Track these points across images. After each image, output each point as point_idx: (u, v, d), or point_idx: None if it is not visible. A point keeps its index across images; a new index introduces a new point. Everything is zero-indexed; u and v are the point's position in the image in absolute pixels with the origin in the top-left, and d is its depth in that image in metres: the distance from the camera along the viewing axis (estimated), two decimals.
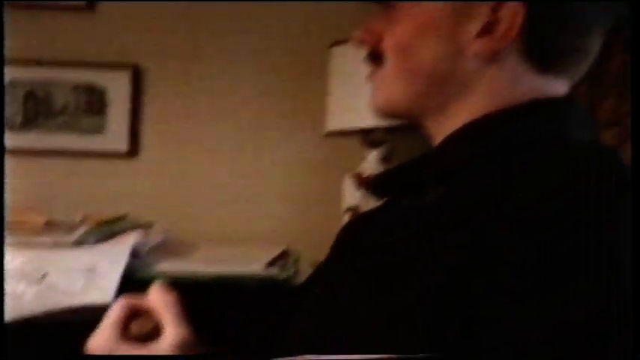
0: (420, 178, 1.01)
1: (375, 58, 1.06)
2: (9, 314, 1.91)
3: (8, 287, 2.02)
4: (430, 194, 0.96)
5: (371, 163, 2.35)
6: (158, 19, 2.69)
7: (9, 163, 2.55)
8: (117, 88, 2.66)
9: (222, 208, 2.69)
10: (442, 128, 1.02)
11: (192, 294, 2.01)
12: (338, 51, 2.34)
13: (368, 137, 2.31)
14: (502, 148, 0.95)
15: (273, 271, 2.14)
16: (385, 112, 1.08)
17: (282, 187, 2.72)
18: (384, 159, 2.35)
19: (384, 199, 1.11)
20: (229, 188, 2.71)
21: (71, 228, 2.16)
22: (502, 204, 0.85)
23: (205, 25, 2.70)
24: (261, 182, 2.72)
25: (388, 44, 1.04)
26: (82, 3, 2.62)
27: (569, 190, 0.85)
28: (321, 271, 1.12)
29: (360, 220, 1.13)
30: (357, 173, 2.34)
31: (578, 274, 0.79)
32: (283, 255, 2.30)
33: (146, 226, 2.30)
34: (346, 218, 2.32)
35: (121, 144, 2.69)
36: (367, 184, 2.27)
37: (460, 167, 0.96)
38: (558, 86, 1.00)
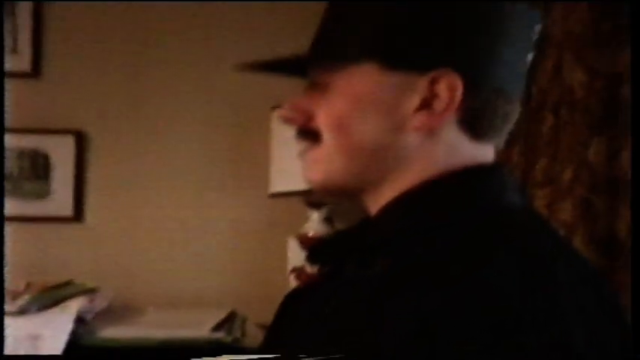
0: (358, 248, 1.00)
1: (308, 135, 1.04)
2: None
3: None
4: (375, 266, 0.95)
5: (314, 223, 2.39)
6: (102, 85, 2.70)
7: None
8: (61, 153, 2.66)
9: (167, 271, 2.67)
10: (379, 199, 1.02)
11: (141, 359, 2.01)
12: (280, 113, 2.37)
13: (310, 199, 2.33)
14: (438, 218, 0.96)
15: (220, 334, 2.14)
16: (323, 189, 1.06)
17: (227, 249, 2.70)
18: (327, 220, 2.37)
19: (322, 266, 1.09)
20: (174, 251, 2.70)
21: (15, 296, 2.15)
22: (442, 281, 0.84)
23: (149, 90, 2.70)
24: (206, 245, 2.70)
25: (324, 121, 1.02)
26: (27, 69, 2.65)
27: (505, 263, 0.85)
28: (266, 343, 1.09)
29: (303, 291, 1.10)
30: (301, 234, 2.37)
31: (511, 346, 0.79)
32: (230, 318, 2.32)
33: (91, 292, 2.27)
34: (292, 279, 2.36)
35: (66, 209, 2.67)
36: (311, 244, 2.22)
37: (398, 238, 0.96)
38: (487, 151, 1.02)
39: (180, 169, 2.71)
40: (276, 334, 1.07)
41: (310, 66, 1.06)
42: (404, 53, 0.98)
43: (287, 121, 1.06)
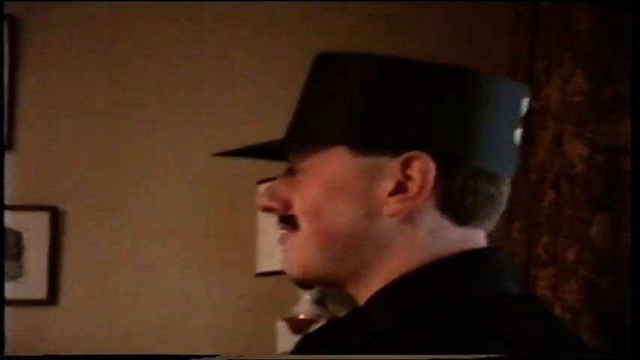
0: (349, 341, 0.99)
1: (287, 222, 1.03)
2: None
3: None
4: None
5: (304, 305, 2.35)
6: (78, 159, 2.68)
7: None
8: (34, 231, 2.63)
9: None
10: (367, 289, 1.00)
11: None
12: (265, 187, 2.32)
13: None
14: (425, 309, 0.94)
15: None
16: (301, 279, 1.05)
17: (211, 334, 2.63)
18: (318, 301, 2.32)
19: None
20: (156, 335, 2.62)
21: None
22: None
23: (128, 164, 2.68)
24: (190, 328, 2.64)
25: (299, 208, 1.00)
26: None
27: (490, 351, 0.85)
28: None
29: None
30: (290, 317, 2.31)
31: None
32: None
33: None
34: None
35: (40, 291, 2.62)
36: (301, 328, 2.23)
37: (384, 332, 0.95)
38: (478, 236, 1.01)
39: (162, 249, 2.67)
40: None
41: (286, 150, 1.06)
42: (374, 136, 0.98)
43: (266, 209, 1.05)
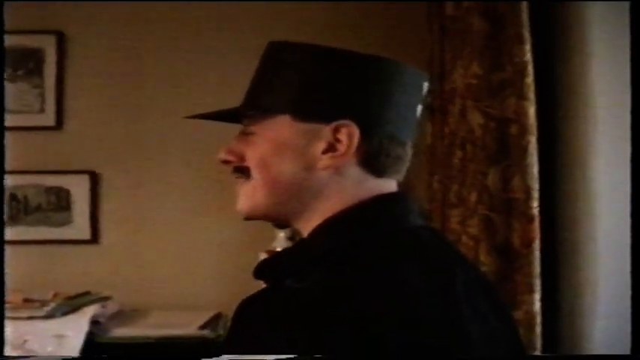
0: (293, 265, 1.06)
1: (241, 172, 1.11)
2: None
3: None
4: (307, 280, 0.99)
5: (279, 241, 2.55)
6: (110, 134, 2.86)
7: None
8: (79, 189, 2.84)
9: (166, 281, 2.79)
10: (307, 225, 1.09)
11: (142, 353, 2.19)
12: None
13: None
14: (353, 238, 1.03)
15: (206, 332, 2.33)
16: (250, 217, 1.14)
17: (213, 262, 2.81)
18: (290, 238, 2.54)
19: (266, 281, 1.12)
20: (172, 265, 2.82)
21: (44, 304, 2.38)
22: (358, 291, 0.91)
23: (148, 136, 2.86)
24: (197, 259, 2.82)
25: (251, 162, 1.09)
26: (52, 124, 2.86)
27: (409, 273, 0.93)
28: (227, 341, 1.10)
29: (252, 300, 1.10)
30: (269, 250, 2.50)
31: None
32: (215, 318, 2.49)
33: (105, 300, 2.50)
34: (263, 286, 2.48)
35: (84, 233, 2.84)
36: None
37: (324, 257, 1.01)
38: (391, 184, 1.11)
39: (176, 199, 2.84)
40: (234, 334, 1.10)
41: (241, 116, 1.15)
42: (311, 108, 1.06)
43: (224, 162, 1.13)
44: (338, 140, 1.05)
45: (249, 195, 1.10)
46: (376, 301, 0.89)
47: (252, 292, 2.13)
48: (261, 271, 1.14)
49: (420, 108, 1.13)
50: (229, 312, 2.19)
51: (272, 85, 1.09)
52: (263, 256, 2.46)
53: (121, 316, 2.52)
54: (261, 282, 2.29)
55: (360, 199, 1.07)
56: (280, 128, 1.08)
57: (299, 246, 1.13)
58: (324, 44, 1.08)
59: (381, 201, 1.08)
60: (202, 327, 2.38)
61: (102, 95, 2.87)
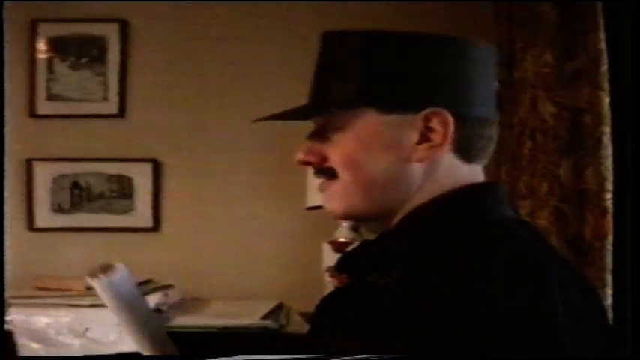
0: (378, 260, 1.02)
1: (324, 173, 1.06)
2: None
3: (60, 338, 2.26)
4: (392, 275, 0.96)
5: (343, 231, 2.52)
6: (172, 123, 2.86)
7: (62, 239, 2.78)
8: (141, 177, 2.86)
9: (227, 271, 2.80)
10: (394, 219, 1.05)
11: (202, 342, 2.16)
12: None
13: None
14: (443, 231, 0.98)
15: (268, 322, 2.30)
16: (346, 217, 1.10)
17: (275, 252, 2.82)
18: (354, 228, 2.51)
19: (349, 274, 1.09)
20: (233, 254, 2.83)
21: None
22: (447, 286, 0.87)
23: (208, 126, 2.87)
24: (258, 248, 2.82)
25: (337, 161, 1.03)
26: (115, 112, 2.87)
27: (500, 268, 0.88)
28: (308, 336, 1.10)
29: (335, 294, 1.10)
30: (332, 240, 2.52)
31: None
32: (277, 308, 2.47)
33: (166, 288, 2.50)
34: (326, 276, 2.48)
35: (146, 222, 2.86)
36: (341, 248, 2.42)
37: (411, 250, 0.98)
38: (479, 172, 1.06)
39: (235, 189, 2.85)
40: (315, 329, 1.09)
41: (312, 113, 1.09)
42: (397, 98, 1.01)
43: (304, 164, 1.08)
44: (431, 129, 1.00)
45: (340, 196, 1.04)
46: (462, 297, 0.85)
47: (312, 283, 2.29)
48: (345, 264, 1.10)
49: (495, 84, 1.08)
50: (290, 302, 2.40)
51: (344, 78, 1.03)
52: (327, 246, 2.53)
53: (183, 305, 2.51)
54: (325, 274, 2.40)
55: (450, 188, 1.02)
56: (365, 123, 1.02)
57: (386, 239, 1.07)
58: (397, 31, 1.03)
59: (472, 191, 1.03)
60: (264, 317, 2.35)
61: (165, 83, 2.89)
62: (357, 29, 1.05)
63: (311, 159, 1.06)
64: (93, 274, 1.22)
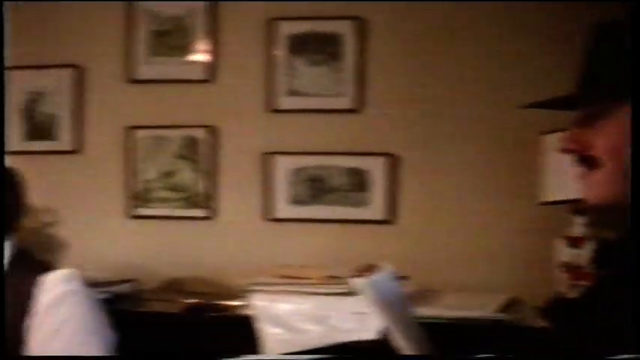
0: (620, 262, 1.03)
1: (586, 162, 1.08)
2: (296, 347, 2.21)
3: (300, 325, 2.34)
4: None
5: (577, 228, 2.46)
6: (408, 118, 2.90)
7: (299, 230, 2.90)
8: (377, 171, 2.90)
9: (461, 263, 2.81)
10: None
11: (438, 333, 2.16)
12: (548, 138, 2.48)
13: (575, 206, 2.40)
14: None
15: (503, 315, 2.30)
16: (603, 207, 1.10)
17: (505, 247, 2.79)
18: (588, 224, 2.43)
19: (607, 270, 1.10)
20: (466, 248, 2.82)
21: (344, 281, 2.32)
22: None
23: (443, 122, 2.87)
24: (491, 242, 2.80)
25: (603, 150, 1.06)
26: (350, 107, 2.92)
27: None
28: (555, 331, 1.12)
29: (593, 292, 1.09)
30: (567, 235, 2.47)
31: None
32: (512, 302, 2.45)
33: (403, 279, 2.34)
34: (557, 272, 2.45)
35: (381, 214, 2.90)
36: (576, 244, 2.39)
37: None
38: None
39: (468, 183, 2.85)
40: (560, 325, 1.12)
41: (581, 103, 1.11)
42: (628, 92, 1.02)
43: (568, 151, 1.10)
44: None
45: (601, 184, 1.06)
46: None
47: (542, 278, 2.33)
48: (605, 260, 1.12)
49: None
50: (523, 296, 2.36)
51: (616, 69, 1.04)
52: (560, 241, 2.48)
53: (418, 296, 2.50)
54: (556, 270, 2.36)
55: None
56: (625, 115, 1.03)
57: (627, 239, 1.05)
58: None
59: None
60: (499, 310, 2.35)
61: (402, 79, 2.92)
62: (624, 22, 1.07)
63: (576, 146, 1.08)
64: (358, 274, 1.26)
